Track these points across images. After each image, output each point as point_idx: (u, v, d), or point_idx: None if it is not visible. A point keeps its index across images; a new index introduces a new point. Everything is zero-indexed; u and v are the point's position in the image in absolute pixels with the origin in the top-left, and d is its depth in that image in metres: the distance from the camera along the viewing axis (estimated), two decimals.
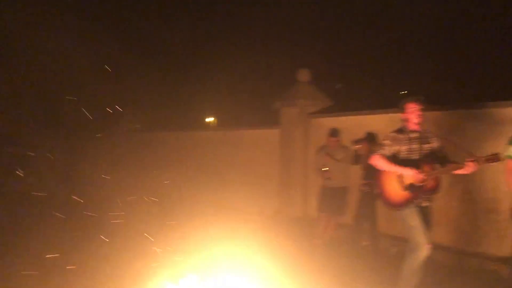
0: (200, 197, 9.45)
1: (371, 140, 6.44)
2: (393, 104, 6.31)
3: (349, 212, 6.70)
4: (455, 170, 4.27)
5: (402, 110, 4.44)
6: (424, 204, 4.35)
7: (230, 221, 7.04)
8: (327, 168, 6.60)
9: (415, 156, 4.34)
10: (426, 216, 4.35)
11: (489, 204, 5.52)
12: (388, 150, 4.36)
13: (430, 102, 4.86)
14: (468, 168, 4.15)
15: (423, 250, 4.20)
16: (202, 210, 7.93)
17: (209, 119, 23.78)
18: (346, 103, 8.96)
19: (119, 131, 11.49)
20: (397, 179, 4.35)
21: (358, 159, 6.59)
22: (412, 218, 4.28)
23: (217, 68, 14.29)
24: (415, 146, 4.35)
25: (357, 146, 6.60)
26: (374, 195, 6.26)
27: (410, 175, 4.25)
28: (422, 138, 4.38)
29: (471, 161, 4.13)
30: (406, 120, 4.42)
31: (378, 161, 4.39)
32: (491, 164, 4.25)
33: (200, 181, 10.06)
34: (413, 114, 4.36)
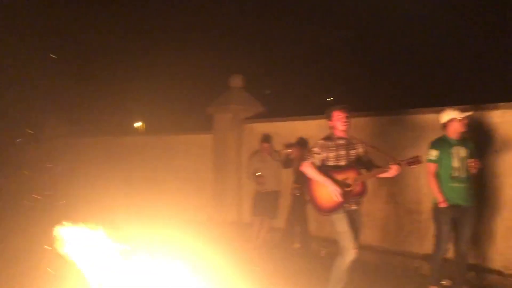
0: (129, 204, 9.18)
1: (302, 145, 6.64)
2: (322, 110, 6.56)
3: (282, 216, 6.85)
4: (380, 174, 4.47)
5: (329, 117, 4.58)
6: (353, 207, 4.52)
7: (161, 227, 6.91)
8: (260, 173, 6.71)
9: (342, 162, 4.50)
10: (355, 219, 4.52)
11: (412, 205, 5.88)
12: (318, 158, 4.49)
13: (355, 108, 5.10)
14: (392, 172, 4.37)
15: (351, 254, 4.36)
16: (130, 217, 7.71)
17: (137, 124, 23.17)
18: (277, 109, 9.17)
19: (43, 137, 10.89)
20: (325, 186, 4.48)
21: (289, 163, 6.76)
22: (341, 223, 4.42)
23: (146, 72, 14.01)
24: (342, 152, 4.51)
25: (288, 151, 6.78)
26: (306, 199, 6.47)
27: (331, 190, 4.36)
28: (349, 145, 4.55)
29: (394, 164, 4.36)
30: (333, 127, 4.57)
31: (308, 169, 4.51)
32: (412, 167, 4.52)
33: (129, 188, 9.77)
34: (339, 122, 4.51)
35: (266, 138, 6.85)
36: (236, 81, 8.52)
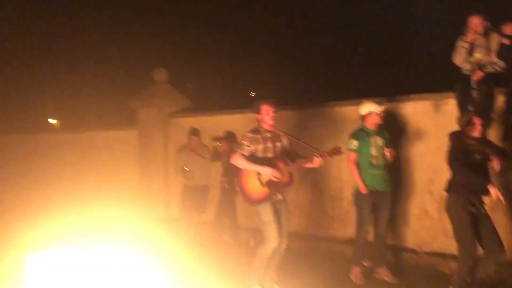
0: (47, 204, 8.77)
1: (229, 139, 6.75)
2: (247, 104, 6.70)
3: (210, 209, 6.93)
4: (306, 164, 4.69)
5: (257, 111, 4.72)
6: (279, 197, 4.71)
7: (85, 227, 6.70)
8: (188, 168, 6.73)
9: (270, 154, 4.68)
10: (281, 209, 4.71)
11: (335, 192, 6.23)
12: (247, 150, 4.63)
13: (281, 102, 5.31)
14: (316, 162, 4.60)
15: (274, 243, 4.55)
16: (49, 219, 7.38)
17: (52, 121, 21.97)
18: (202, 103, 9.21)
19: None
20: (256, 177, 4.64)
21: (218, 156, 6.85)
22: (267, 213, 4.59)
23: (63, 66, 13.29)
24: (269, 145, 4.69)
25: (216, 144, 6.86)
26: (234, 192, 6.60)
27: (268, 173, 4.57)
28: (275, 137, 4.74)
29: (318, 155, 4.60)
30: (260, 121, 4.72)
31: (239, 161, 4.64)
32: (334, 156, 4.80)
33: (47, 187, 9.32)
34: (267, 115, 4.67)
35: (194, 132, 6.87)
36: (160, 75, 8.42)
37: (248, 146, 4.64)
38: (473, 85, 5.05)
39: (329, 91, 7.52)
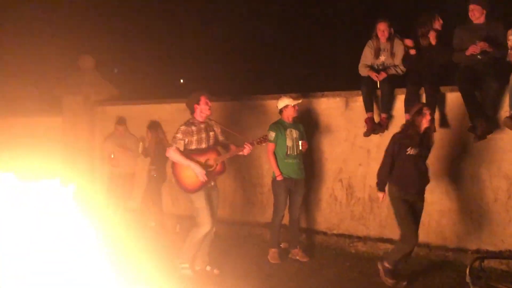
0: None
1: (155, 128, 6.96)
2: (176, 93, 7.00)
3: (137, 197, 7.18)
4: (237, 153, 5.07)
5: (196, 101, 4.93)
6: (212, 184, 5.03)
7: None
8: (114, 156, 6.93)
9: (204, 145, 4.96)
10: (213, 195, 5.05)
11: (256, 179, 6.73)
12: (181, 143, 4.85)
13: (211, 93, 5.67)
14: (246, 150, 5.00)
15: (207, 228, 4.90)
16: None
17: None
18: (130, 91, 9.32)
19: None
20: (190, 168, 4.87)
21: (148, 152, 6.97)
22: (200, 200, 4.89)
23: None
24: (203, 135, 4.96)
25: (144, 143, 6.97)
26: (161, 180, 6.91)
27: (197, 172, 4.81)
28: (208, 127, 5.02)
29: (248, 143, 5.01)
30: (194, 111, 4.96)
31: (173, 155, 4.87)
32: (262, 144, 5.28)
33: None
34: (205, 106, 4.94)
35: (120, 121, 7.06)
36: (87, 62, 8.45)
37: (182, 140, 4.86)
38: (377, 84, 5.74)
39: (253, 85, 7.99)
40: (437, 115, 5.40)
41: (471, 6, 5.33)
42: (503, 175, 5.11)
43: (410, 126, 4.61)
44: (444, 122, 5.48)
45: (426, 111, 4.57)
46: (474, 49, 5.08)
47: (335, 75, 8.12)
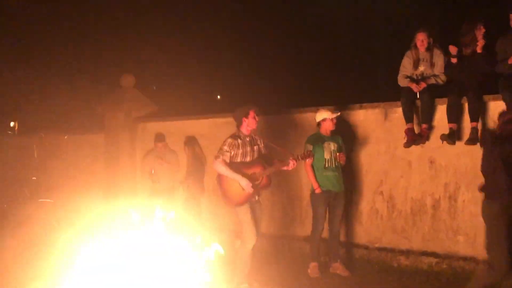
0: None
1: (191, 143, 7.10)
2: (213, 108, 7.14)
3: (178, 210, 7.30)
4: (281, 167, 5.11)
5: (245, 115, 5.01)
6: (256, 199, 5.10)
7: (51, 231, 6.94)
8: (155, 172, 7.11)
9: (248, 158, 5.04)
10: (257, 209, 5.10)
11: (294, 193, 6.74)
12: (227, 155, 4.93)
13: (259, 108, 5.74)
14: (291, 165, 5.05)
15: (252, 242, 4.94)
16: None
17: (12, 123, 21.75)
18: (169, 107, 9.55)
19: None
20: (237, 181, 4.93)
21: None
22: (246, 214, 4.95)
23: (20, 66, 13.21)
24: (248, 149, 5.04)
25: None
26: (197, 194, 7.02)
27: (244, 185, 4.87)
28: (252, 141, 5.10)
29: (293, 159, 5.05)
30: (241, 124, 5.05)
31: (219, 167, 4.94)
32: (307, 159, 5.30)
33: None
34: (252, 120, 5.01)
35: (160, 137, 7.25)
36: (128, 81, 8.76)
37: (228, 152, 4.94)
38: (417, 95, 5.68)
39: (292, 98, 8.05)
40: (480, 124, 5.29)
41: None
42: None
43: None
44: (486, 131, 5.35)
45: None
46: None
47: (374, 86, 8.08)
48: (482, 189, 4.30)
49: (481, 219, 5.27)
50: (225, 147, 4.98)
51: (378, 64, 8.04)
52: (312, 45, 8.71)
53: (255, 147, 5.11)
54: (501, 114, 4.29)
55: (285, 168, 5.11)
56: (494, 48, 5.36)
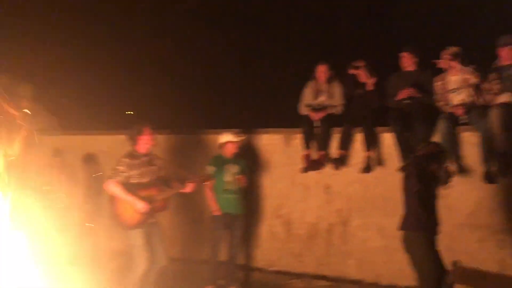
0: None
1: (89, 160, 6.82)
2: (116, 125, 6.93)
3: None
4: (179, 190, 4.97)
5: (139, 133, 4.83)
6: (152, 221, 4.93)
7: None
8: (50, 187, 6.72)
9: (145, 179, 4.84)
10: (155, 232, 4.95)
11: (195, 214, 6.68)
12: (123, 176, 4.72)
13: (158, 125, 5.65)
14: (189, 188, 4.95)
15: (144, 266, 4.78)
16: None
17: None
18: (69, 121, 9.10)
19: None
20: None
21: None
22: (138, 238, 4.78)
23: None
24: (145, 169, 4.86)
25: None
26: (95, 213, 6.74)
27: (139, 207, 4.70)
28: (150, 161, 4.93)
29: (191, 181, 4.94)
30: (137, 144, 4.86)
31: (113, 188, 4.72)
32: (206, 183, 5.27)
33: None
34: (147, 138, 4.84)
35: (56, 153, 6.90)
36: (25, 91, 8.23)
37: (124, 172, 4.72)
38: (316, 123, 5.96)
39: (200, 118, 8.08)
40: (372, 154, 5.66)
41: (403, 54, 5.73)
42: None
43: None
44: (380, 161, 5.73)
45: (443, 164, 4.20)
46: (403, 95, 5.44)
47: (278, 113, 8.37)
48: (403, 221, 4.27)
49: (370, 244, 5.67)
50: (120, 167, 4.78)
51: (283, 92, 8.38)
52: (222, 70, 8.89)
53: (154, 167, 4.97)
54: (415, 151, 4.36)
55: (183, 190, 5.02)
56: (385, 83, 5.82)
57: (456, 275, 3.72)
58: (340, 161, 5.69)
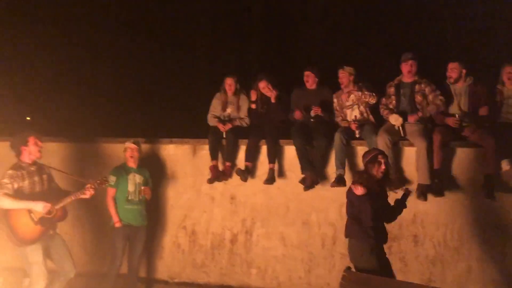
0: None
1: None
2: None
3: None
4: (78, 197, 4.79)
5: (23, 143, 4.64)
6: (50, 232, 4.73)
7: None
8: None
9: (38, 189, 4.65)
10: (57, 244, 4.78)
11: (95, 226, 6.42)
12: (10, 188, 4.47)
13: (47, 133, 5.41)
14: (87, 193, 4.78)
15: (42, 285, 4.56)
16: None
17: None
18: None
19: None
20: (27, 215, 4.54)
21: None
22: (36, 254, 4.55)
23: None
24: (36, 178, 4.66)
25: None
26: None
27: (40, 208, 4.50)
28: (40, 170, 4.75)
29: (89, 186, 4.79)
30: (21, 154, 4.65)
31: (3, 201, 4.44)
32: (103, 186, 5.09)
33: None
34: (33, 148, 4.64)
35: None
36: None
37: (10, 184, 4.48)
38: (223, 134, 6.06)
39: (104, 126, 7.82)
40: (276, 166, 5.87)
41: (306, 73, 6.06)
42: (329, 222, 5.70)
43: (364, 175, 4.31)
44: (282, 173, 5.96)
45: (381, 159, 4.33)
46: (314, 112, 5.73)
47: (185, 123, 8.37)
48: (346, 229, 4.40)
49: (272, 253, 5.84)
50: (5, 180, 4.52)
51: (191, 103, 8.42)
52: (129, 78, 8.71)
53: (45, 176, 4.80)
54: (364, 155, 4.46)
55: (82, 196, 4.84)
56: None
57: (347, 280, 3.96)
58: (246, 172, 5.81)
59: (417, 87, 5.54)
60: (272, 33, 10.29)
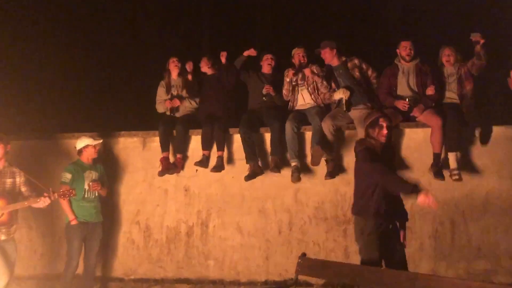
0: None
1: None
2: None
3: None
4: (30, 204, 4.70)
5: None
6: (2, 238, 4.64)
7: None
8: None
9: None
10: (8, 249, 4.67)
11: (44, 227, 6.24)
12: None
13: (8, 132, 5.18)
14: (41, 203, 4.66)
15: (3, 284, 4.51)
16: None
17: None
18: None
19: None
20: None
21: None
22: None
23: None
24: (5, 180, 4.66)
25: None
26: None
27: None
28: (4, 174, 4.70)
29: (47, 195, 4.66)
30: None
31: None
32: (66, 198, 4.93)
33: None
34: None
35: None
36: None
37: None
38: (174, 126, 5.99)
39: (52, 121, 7.53)
40: (226, 154, 5.84)
41: (265, 56, 6.06)
42: (285, 209, 5.76)
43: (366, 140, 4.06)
44: (235, 162, 5.94)
45: (383, 123, 4.05)
46: (265, 90, 5.75)
47: (134, 115, 8.21)
48: (354, 206, 4.16)
49: (229, 243, 5.84)
50: None
51: (139, 95, 8.26)
52: (75, 71, 8.42)
53: (8, 180, 4.74)
54: (365, 119, 4.22)
55: (35, 205, 4.74)
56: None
57: (302, 266, 4.01)
58: (205, 160, 5.76)
59: (349, 64, 5.70)
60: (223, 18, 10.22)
